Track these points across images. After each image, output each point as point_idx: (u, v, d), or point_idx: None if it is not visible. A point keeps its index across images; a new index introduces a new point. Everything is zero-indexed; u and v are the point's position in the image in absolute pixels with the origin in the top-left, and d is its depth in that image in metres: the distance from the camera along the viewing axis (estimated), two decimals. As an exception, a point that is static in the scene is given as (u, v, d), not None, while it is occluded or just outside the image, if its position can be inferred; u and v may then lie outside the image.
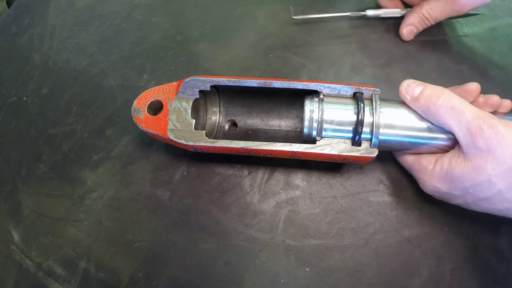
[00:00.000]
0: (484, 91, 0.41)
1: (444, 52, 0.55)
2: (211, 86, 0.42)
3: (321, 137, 0.39)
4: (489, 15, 0.58)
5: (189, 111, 0.41)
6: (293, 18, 0.57)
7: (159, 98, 0.42)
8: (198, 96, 0.42)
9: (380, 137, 0.38)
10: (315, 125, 0.39)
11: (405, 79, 0.39)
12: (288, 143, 0.39)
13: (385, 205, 0.44)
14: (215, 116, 0.48)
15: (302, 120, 0.41)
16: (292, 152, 0.39)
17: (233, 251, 0.43)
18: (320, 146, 0.39)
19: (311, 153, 0.39)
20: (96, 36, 0.61)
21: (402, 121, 0.38)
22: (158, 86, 0.43)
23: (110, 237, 0.45)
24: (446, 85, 0.39)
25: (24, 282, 0.44)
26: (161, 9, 0.64)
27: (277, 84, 0.41)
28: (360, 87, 0.39)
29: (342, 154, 0.38)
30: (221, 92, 0.47)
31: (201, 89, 0.42)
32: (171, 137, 0.41)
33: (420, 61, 0.54)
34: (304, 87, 0.40)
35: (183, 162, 0.48)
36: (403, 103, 0.39)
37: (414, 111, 0.38)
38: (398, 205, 0.44)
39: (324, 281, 0.41)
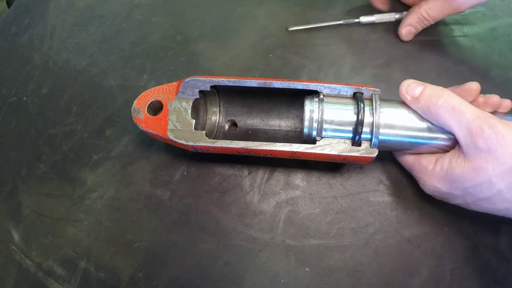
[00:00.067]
0: (484, 91, 0.41)
1: (443, 52, 0.55)
2: (211, 86, 0.42)
3: (321, 137, 0.39)
4: (489, 15, 0.58)
5: (189, 111, 0.41)
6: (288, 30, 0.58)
7: (159, 98, 0.42)
8: (198, 96, 0.42)
9: (380, 137, 0.38)
10: (315, 125, 0.39)
11: (405, 79, 0.39)
12: (288, 143, 0.39)
13: (385, 205, 0.44)
14: (215, 116, 0.48)
15: (302, 120, 0.41)
16: (292, 152, 0.39)
17: (233, 251, 0.43)
18: (320, 146, 0.39)
19: (311, 153, 0.39)
20: (96, 36, 0.61)
21: (402, 121, 0.38)
22: (158, 86, 0.43)
23: (110, 237, 0.45)
24: (445, 85, 0.39)
25: (24, 282, 0.44)
26: (161, 9, 0.64)
27: (277, 84, 0.41)
28: (360, 87, 0.39)
29: (342, 154, 0.38)
30: (221, 92, 0.47)
31: (201, 89, 0.42)
32: (171, 137, 0.41)
33: (419, 61, 0.54)
34: (304, 87, 0.40)
35: (183, 162, 0.48)
36: (403, 103, 0.39)
37: (414, 111, 0.38)
38: (398, 205, 0.44)
39: (324, 281, 0.41)
